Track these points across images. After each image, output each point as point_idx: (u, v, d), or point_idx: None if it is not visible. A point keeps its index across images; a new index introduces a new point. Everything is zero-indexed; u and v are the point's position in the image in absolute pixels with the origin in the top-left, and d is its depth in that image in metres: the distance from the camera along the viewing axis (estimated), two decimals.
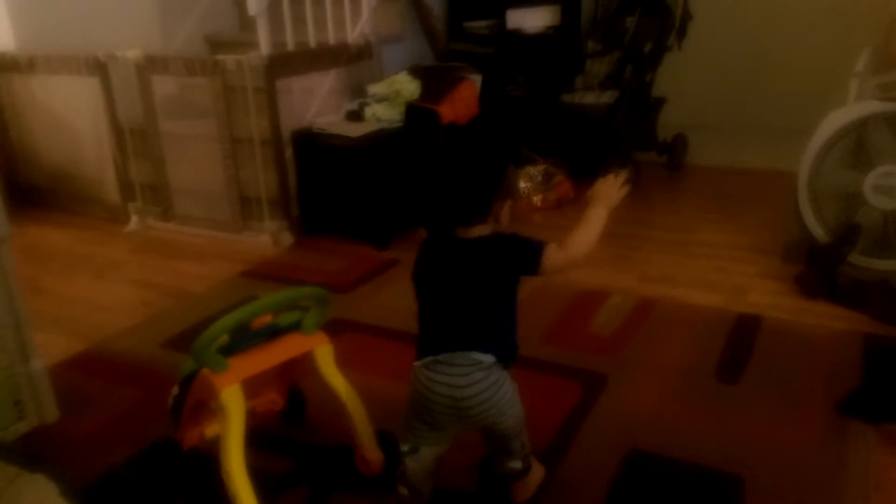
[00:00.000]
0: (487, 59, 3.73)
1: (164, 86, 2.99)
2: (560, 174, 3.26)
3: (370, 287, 2.47)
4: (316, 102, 3.06)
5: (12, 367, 1.62)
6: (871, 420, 1.61)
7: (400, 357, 1.95)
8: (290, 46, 2.99)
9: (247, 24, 3.39)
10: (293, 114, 2.92)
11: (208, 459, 1.41)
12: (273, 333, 1.38)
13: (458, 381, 1.19)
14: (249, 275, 2.63)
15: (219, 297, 2.37)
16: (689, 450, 1.55)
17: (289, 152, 2.90)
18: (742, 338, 2.03)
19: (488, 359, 1.20)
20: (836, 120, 2.32)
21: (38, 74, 3.20)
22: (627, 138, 3.48)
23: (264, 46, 2.79)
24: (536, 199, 3.07)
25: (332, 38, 3.15)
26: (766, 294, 2.31)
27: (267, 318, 1.41)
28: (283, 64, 2.82)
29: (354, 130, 2.90)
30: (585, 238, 1.23)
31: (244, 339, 1.35)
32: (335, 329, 1.60)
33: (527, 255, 1.20)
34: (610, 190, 1.28)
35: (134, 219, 3.18)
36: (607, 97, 3.47)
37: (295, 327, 1.39)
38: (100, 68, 3.00)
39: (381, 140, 2.87)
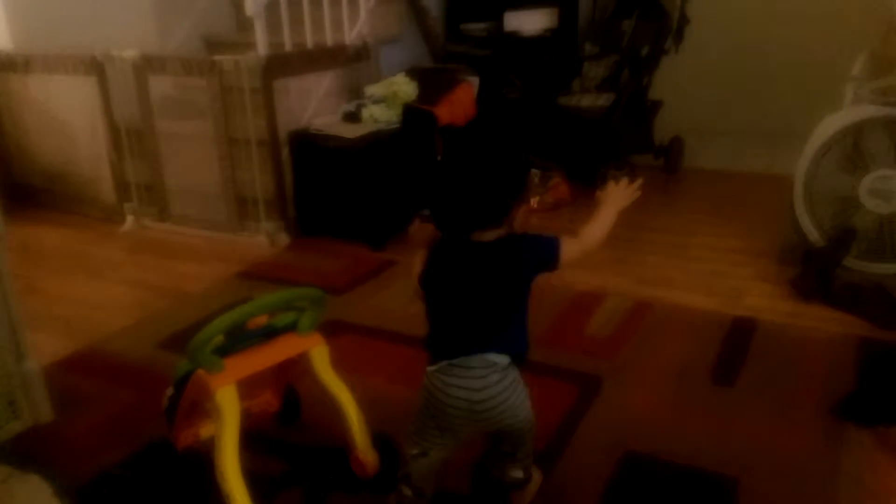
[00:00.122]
0: (485, 61, 3.73)
1: (160, 86, 2.99)
2: (557, 176, 3.27)
3: (366, 288, 2.47)
4: (313, 103, 3.06)
5: (6, 367, 1.62)
6: (866, 423, 1.61)
7: (395, 358, 1.97)
8: (288, 47, 2.98)
9: (244, 24, 3.38)
10: (290, 114, 2.91)
11: (203, 460, 1.40)
12: (269, 334, 1.38)
13: (475, 384, 1.18)
14: (245, 275, 2.62)
15: (214, 297, 2.37)
16: (684, 452, 1.55)
17: (285, 153, 2.90)
18: (737, 340, 2.03)
19: (504, 360, 1.20)
20: (832, 124, 2.33)
21: (35, 74, 3.20)
22: (624, 141, 3.48)
23: (261, 47, 2.78)
24: (533, 201, 3.07)
25: (329, 39, 3.15)
26: (761, 297, 2.31)
27: (263, 319, 1.40)
28: (281, 64, 2.82)
29: (351, 131, 2.89)
30: (598, 231, 1.26)
31: (240, 339, 1.35)
32: (331, 330, 1.59)
33: (546, 251, 1.20)
34: (621, 193, 1.31)
35: (130, 219, 3.17)
36: (604, 100, 3.48)
37: (291, 328, 1.39)
38: (96, 68, 3.00)
39: (378, 141, 2.87)
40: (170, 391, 1.47)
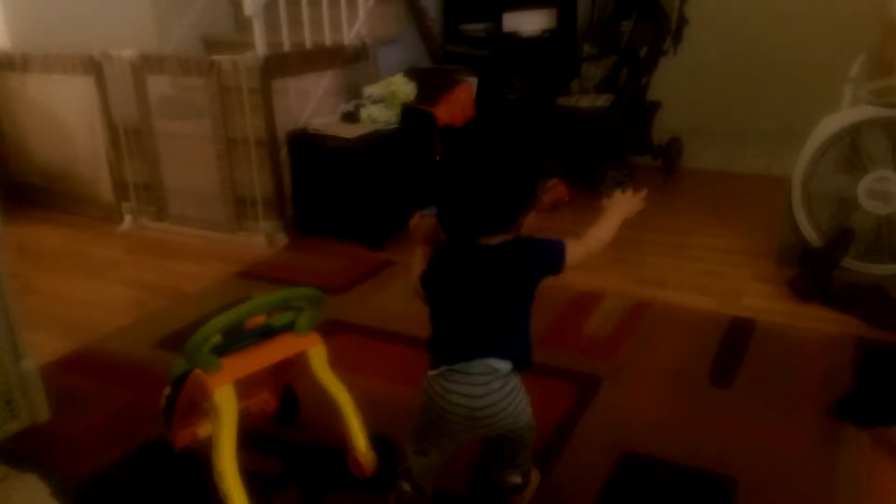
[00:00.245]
0: (483, 62, 3.73)
1: (159, 85, 2.99)
2: (555, 177, 3.28)
3: (364, 288, 2.47)
4: (311, 103, 3.06)
5: (4, 366, 1.61)
6: (864, 424, 1.61)
7: (393, 358, 1.97)
8: (287, 47, 2.98)
9: (243, 24, 3.38)
10: (288, 115, 2.91)
11: (200, 460, 1.40)
12: (266, 334, 1.38)
13: (475, 390, 1.18)
14: (243, 275, 2.62)
15: (212, 297, 2.36)
16: (682, 452, 1.55)
17: (284, 153, 2.90)
18: (735, 341, 2.03)
19: (506, 366, 1.19)
20: (830, 125, 2.33)
21: (33, 73, 3.19)
22: (623, 142, 3.48)
23: (260, 47, 2.78)
24: None
25: (328, 39, 3.15)
26: (759, 297, 2.32)
27: (260, 319, 1.40)
28: (279, 65, 2.82)
29: (350, 132, 2.89)
30: (603, 234, 1.27)
31: (237, 339, 1.35)
32: (329, 330, 1.59)
33: (551, 255, 1.20)
34: (627, 202, 1.31)
35: (128, 218, 3.17)
36: (603, 101, 3.48)
37: (288, 328, 1.39)
38: (95, 67, 3.00)
39: (376, 141, 2.87)
40: (167, 391, 1.47)
